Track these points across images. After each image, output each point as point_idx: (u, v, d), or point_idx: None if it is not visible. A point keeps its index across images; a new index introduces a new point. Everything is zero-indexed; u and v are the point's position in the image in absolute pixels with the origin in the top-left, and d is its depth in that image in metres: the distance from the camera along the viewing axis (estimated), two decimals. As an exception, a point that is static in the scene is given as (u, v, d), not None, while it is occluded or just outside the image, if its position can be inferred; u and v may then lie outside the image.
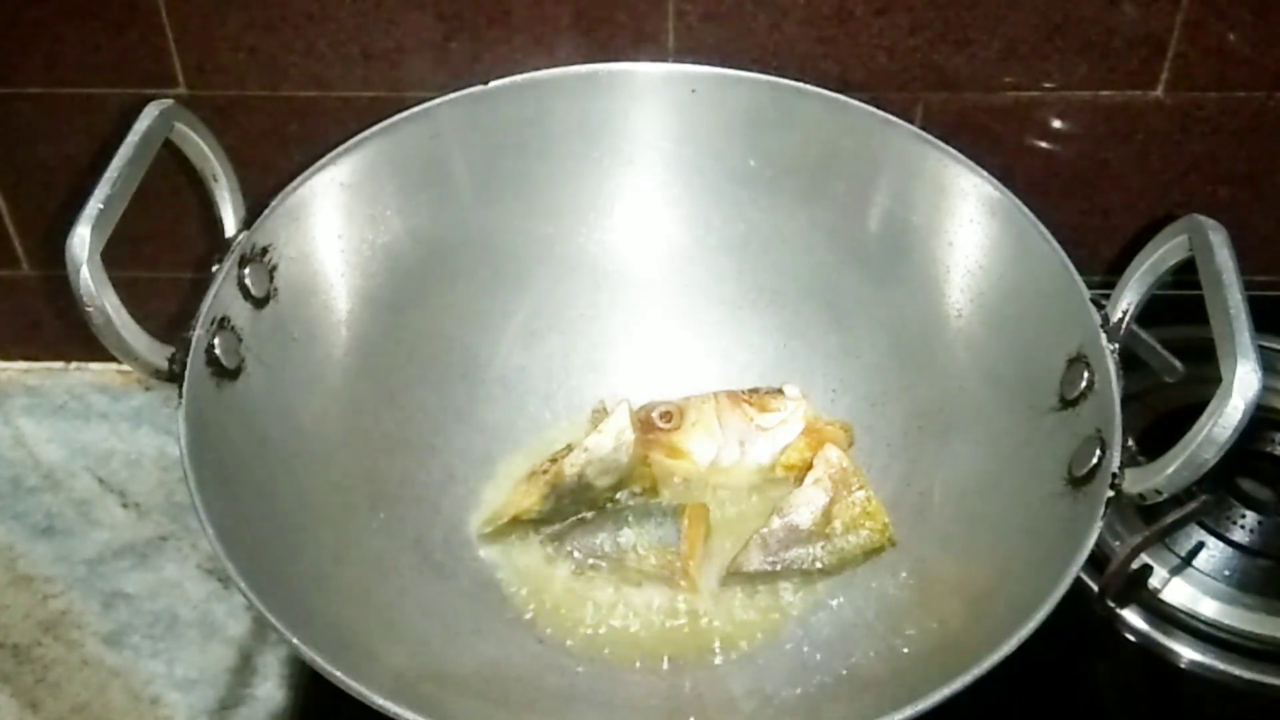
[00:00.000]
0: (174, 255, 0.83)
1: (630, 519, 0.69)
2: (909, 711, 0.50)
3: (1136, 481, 0.56)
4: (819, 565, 0.68)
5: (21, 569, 0.79)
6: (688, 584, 0.67)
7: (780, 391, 0.74)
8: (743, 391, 0.74)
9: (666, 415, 0.73)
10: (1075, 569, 0.54)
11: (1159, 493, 0.55)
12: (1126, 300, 0.64)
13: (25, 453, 0.86)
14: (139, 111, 0.63)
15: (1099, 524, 0.56)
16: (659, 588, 0.68)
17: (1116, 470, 0.57)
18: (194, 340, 0.61)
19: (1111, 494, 0.56)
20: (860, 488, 0.69)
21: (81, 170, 0.79)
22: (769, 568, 0.68)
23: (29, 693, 0.73)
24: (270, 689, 0.73)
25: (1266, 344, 0.73)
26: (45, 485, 0.84)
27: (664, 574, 0.68)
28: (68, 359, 0.91)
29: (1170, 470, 0.54)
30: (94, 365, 0.90)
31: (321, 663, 0.52)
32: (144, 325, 0.60)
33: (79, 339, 0.85)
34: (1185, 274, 0.61)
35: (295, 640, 0.52)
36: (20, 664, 0.74)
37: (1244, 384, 0.53)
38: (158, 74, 0.76)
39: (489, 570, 0.69)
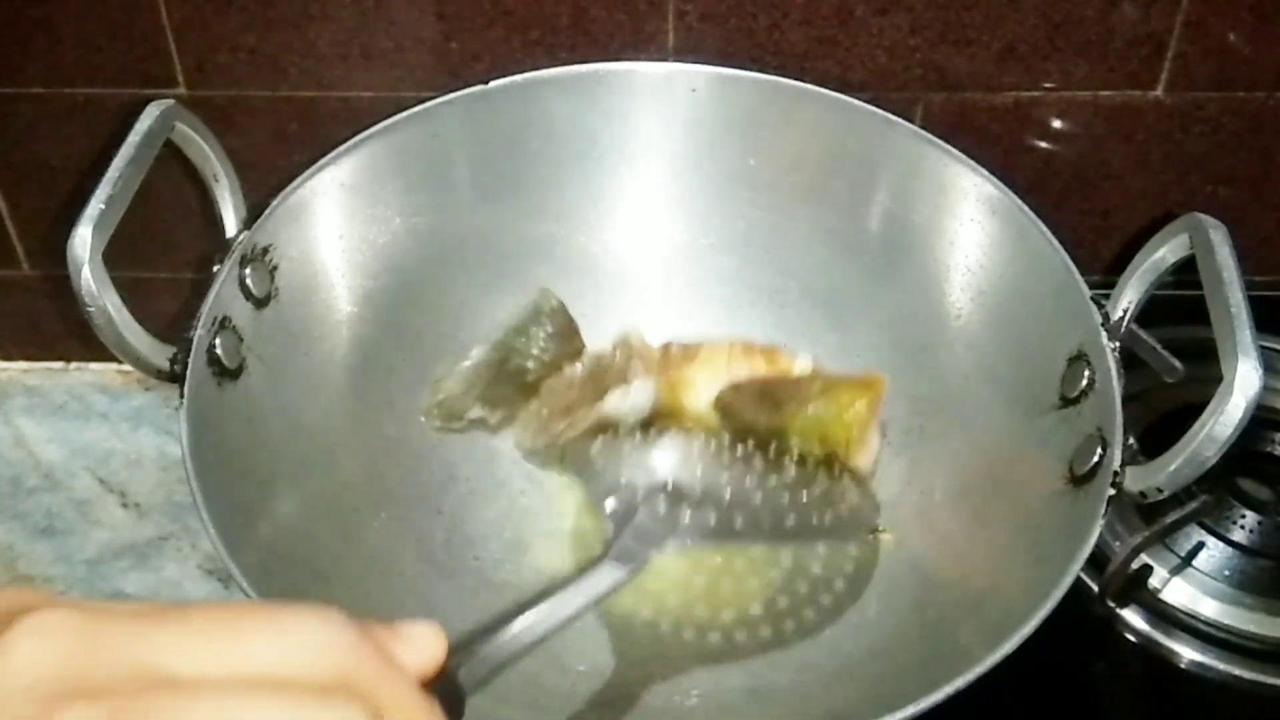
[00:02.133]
0: (175, 255, 0.83)
1: None
2: (909, 711, 0.50)
3: (1138, 480, 0.56)
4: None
5: (21, 569, 0.79)
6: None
7: (794, 354, 0.73)
8: (759, 345, 0.74)
9: (683, 349, 0.73)
10: (1076, 568, 0.54)
11: (1160, 491, 0.55)
12: (1127, 298, 0.64)
13: (25, 453, 0.86)
14: (139, 112, 0.63)
15: (1100, 522, 0.56)
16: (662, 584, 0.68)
17: (1118, 469, 0.57)
18: (195, 340, 0.61)
19: (1113, 492, 0.56)
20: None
21: (82, 170, 0.79)
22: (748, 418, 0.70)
23: (29, 693, 0.73)
24: (270, 689, 0.73)
25: (1266, 344, 0.73)
26: (45, 485, 0.84)
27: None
28: (68, 359, 0.91)
29: (1172, 468, 0.55)
30: (94, 365, 0.90)
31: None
32: (145, 325, 0.60)
33: (79, 339, 0.85)
34: (1185, 274, 0.61)
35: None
36: (20, 664, 0.74)
37: (1245, 382, 0.53)
38: (158, 74, 0.76)
39: (490, 570, 0.69)
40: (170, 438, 0.85)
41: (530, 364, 0.73)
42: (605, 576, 0.54)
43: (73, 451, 0.85)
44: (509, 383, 0.73)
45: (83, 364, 0.91)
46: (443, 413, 0.72)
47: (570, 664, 0.64)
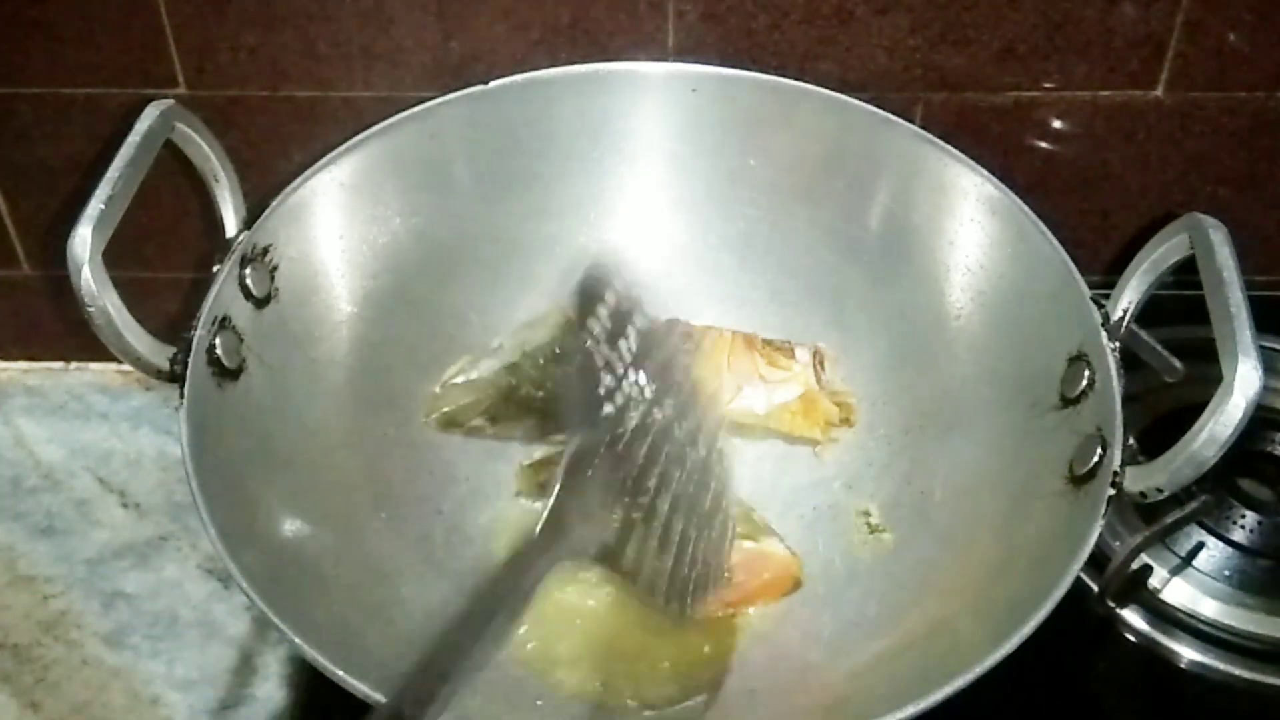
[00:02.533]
0: (175, 255, 0.83)
1: None
2: (909, 711, 0.50)
3: (1138, 480, 0.56)
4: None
5: (21, 569, 0.79)
6: None
7: (793, 352, 0.74)
8: (759, 339, 0.74)
9: (686, 336, 0.74)
10: (1076, 568, 0.54)
11: (1160, 491, 0.55)
12: (1127, 299, 0.64)
13: (25, 453, 0.85)
14: (139, 112, 0.63)
15: (1100, 522, 0.56)
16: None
17: (1118, 469, 0.57)
18: (195, 340, 0.61)
19: (1113, 492, 0.56)
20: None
21: (81, 170, 0.79)
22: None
23: (29, 693, 0.73)
24: (270, 689, 0.73)
25: (1266, 344, 0.74)
26: (45, 485, 0.84)
27: None
28: (68, 359, 0.91)
29: (1172, 468, 0.55)
30: (94, 365, 0.90)
31: (325, 662, 0.51)
32: (145, 325, 0.60)
33: (79, 339, 0.85)
34: (1185, 274, 0.61)
35: (299, 640, 0.52)
36: (20, 664, 0.74)
37: (1245, 382, 0.53)
38: (158, 74, 0.76)
39: (489, 571, 0.69)
40: (170, 438, 0.85)
41: (540, 393, 0.73)
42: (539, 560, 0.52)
43: (73, 451, 0.85)
44: (515, 404, 0.73)
45: (83, 364, 0.90)
46: (443, 420, 0.72)
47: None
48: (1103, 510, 0.56)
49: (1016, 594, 0.56)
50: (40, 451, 0.86)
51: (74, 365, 0.91)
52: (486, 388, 0.73)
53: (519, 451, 0.74)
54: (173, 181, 0.74)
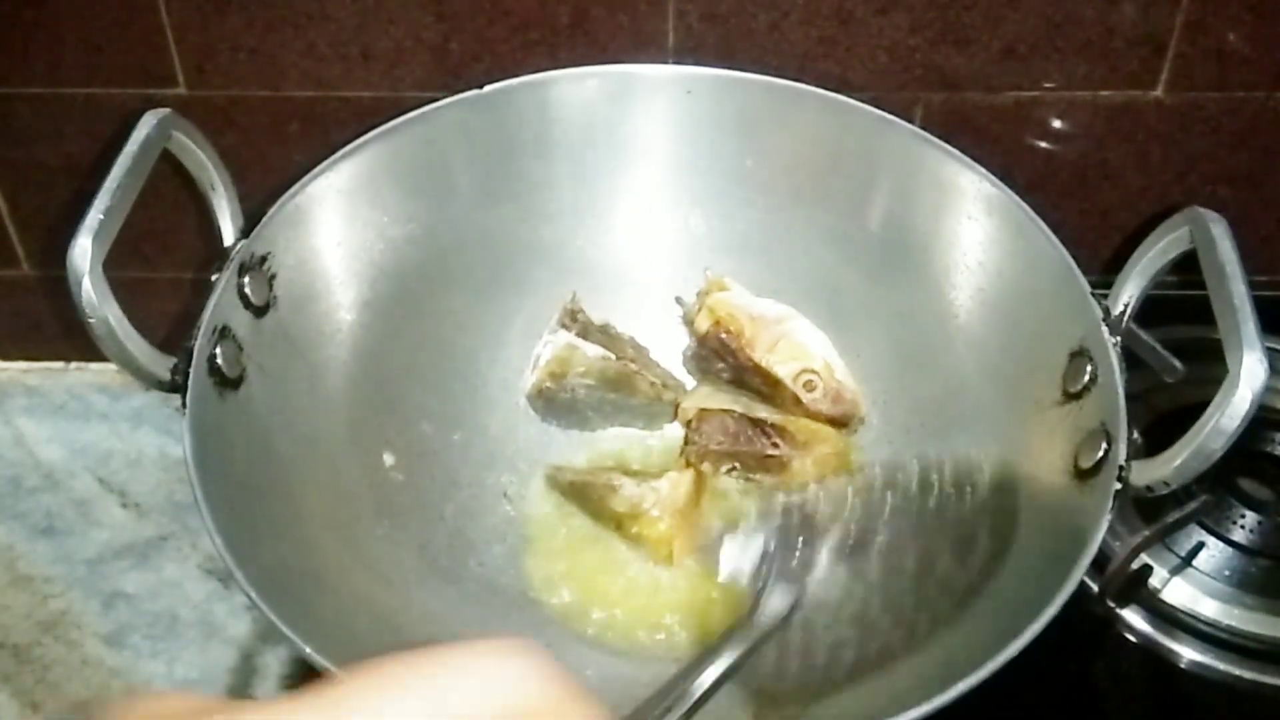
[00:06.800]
0: (174, 260, 0.83)
1: None
2: (913, 713, 0.50)
3: (1143, 473, 0.56)
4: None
5: (21, 569, 0.79)
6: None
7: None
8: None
9: None
10: (1085, 563, 0.54)
11: (1167, 484, 0.55)
12: (1128, 293, 0.64)
13: (25, 453, 0.85)
14: (139, 112, 0.63)
15: (1107, 517, 0.56)
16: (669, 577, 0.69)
17: (1123, 463, 0.57)
18: (195, 350, 0.61)
19: (1119, 486, 0.56)
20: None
21: (82, 171, 0.79)
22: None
23: (29, 693, 0.73)
24: (270, 689, 0.73)
25: (1267, 344, 0.74)
26: (45, 485, 0.84)
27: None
28: (68, 359, 0.91)
29: (1178, 462, 0.54)
30: (94, 365, 0.90)
31: (325, 663, 0.51)
32: (146, 326, 0.60)
33: (79, 339, 0.84)
34: (1186, 274, 0.61)
35: (300, 642, 0.52)
36: (20, 664, 0.74)
37: (1251, 374, 0.53)
38: (158, 74, 0.76)
39: (492, 576, 0.69)
40: (170, 437, 0.85)
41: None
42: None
43: (73, 451, 0.85)
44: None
45: (83, 364, 0.90)
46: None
47: (573, 668, 0.64)
48: (1109, 504, 0.56)
49: (1022, 592, 0.56)
50: (40, 451, 0.86)
51: (74, 365, 0.91)
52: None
53: (518, 457, 0.74)
54: (172, 184, 0.73)
